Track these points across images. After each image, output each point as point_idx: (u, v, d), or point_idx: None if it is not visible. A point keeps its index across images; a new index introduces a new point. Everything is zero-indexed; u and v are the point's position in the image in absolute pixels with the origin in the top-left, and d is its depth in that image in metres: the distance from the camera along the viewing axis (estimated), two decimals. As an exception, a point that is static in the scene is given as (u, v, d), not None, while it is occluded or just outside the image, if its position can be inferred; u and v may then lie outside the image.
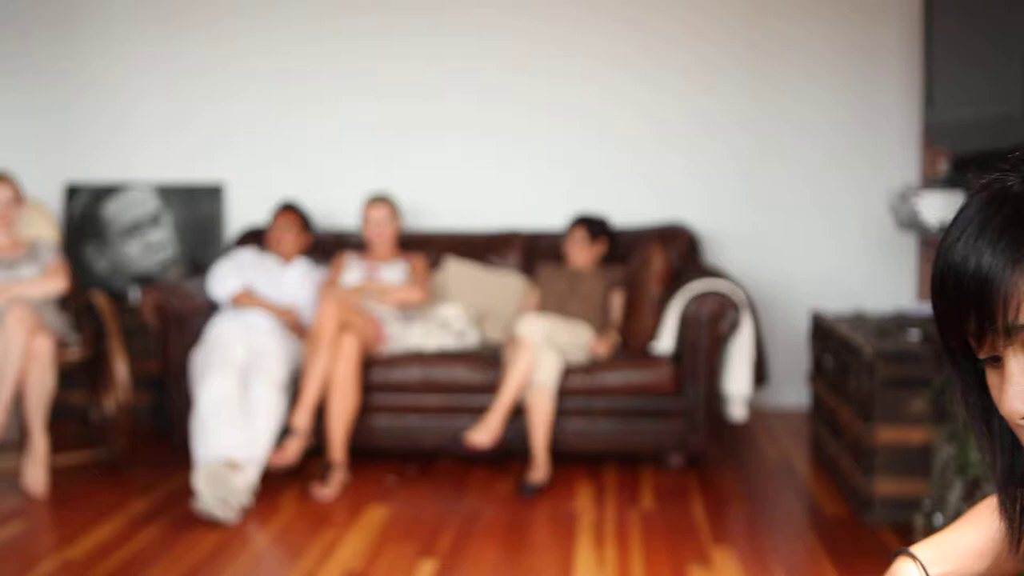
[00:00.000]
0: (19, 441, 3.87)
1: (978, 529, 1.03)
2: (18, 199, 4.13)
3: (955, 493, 3.02)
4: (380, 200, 4.46)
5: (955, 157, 3.96)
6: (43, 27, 5.16)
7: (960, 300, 0.76)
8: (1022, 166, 0.77)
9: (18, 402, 3.79)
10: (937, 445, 3.20)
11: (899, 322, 3.82)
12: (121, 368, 4.02)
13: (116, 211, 5.22)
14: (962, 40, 3.80)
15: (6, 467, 3.92)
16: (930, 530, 3.04)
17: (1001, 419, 0.80)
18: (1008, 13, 3.34)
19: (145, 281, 4.96)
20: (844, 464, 3.63)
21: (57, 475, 3.85)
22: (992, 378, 0.79)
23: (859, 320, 3.91)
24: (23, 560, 3.15)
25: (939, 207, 3.67)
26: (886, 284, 4.83)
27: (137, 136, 5.20)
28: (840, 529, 3.36)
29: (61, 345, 3.94)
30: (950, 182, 3.84)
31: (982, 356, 0.78)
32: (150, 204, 5.20)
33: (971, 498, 2.83)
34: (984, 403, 0.83)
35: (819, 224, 4.86)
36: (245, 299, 4.21)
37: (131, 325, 4.36)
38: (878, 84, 4.77)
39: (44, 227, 4.30)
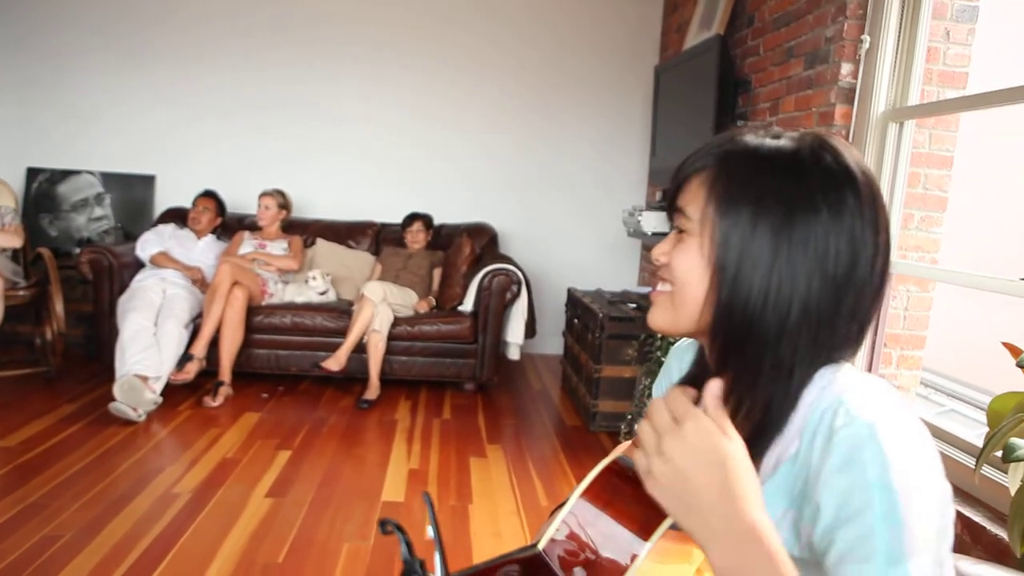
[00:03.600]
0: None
1: None
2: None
3: (646, 409, 3.16)
4: (269, 194, 4.26)
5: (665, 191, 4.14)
6: (12, 43, 4.65)
7: None
8: None
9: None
10: (639, 378, 3.34)
11: (623, 298, 3.96)
12: (58, 306, 3.71)
13: (68, 191, 4.79)
14: (671, 116, 3.97)
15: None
16: (630, 434, 3.18)
17: None
18: (690, 104, 3.53)
19: (86, 244, 4.58)
20: (581, 391, 3.74)
21: (2, 383, 3.52)
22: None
23: (598, 295, 4.03)
24: (-34, 447, 2.87)
25: (653, 222, 3.82)
26: (618, 272, 4.99)
27: (89, 134, 4.75)
28: (575, 434, 3.47)
29: (12, 288, 3.60)
30: (661, 207, 4.01)
31: None
32: (96, 187, 4.80)
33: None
34: None
35: (578, 230, 4.95)
36: (161, 259, 3.95)
37: (73, 277, 4.03)
38: (625, 137, 4.87)
39: (5, 198, 3.92)
